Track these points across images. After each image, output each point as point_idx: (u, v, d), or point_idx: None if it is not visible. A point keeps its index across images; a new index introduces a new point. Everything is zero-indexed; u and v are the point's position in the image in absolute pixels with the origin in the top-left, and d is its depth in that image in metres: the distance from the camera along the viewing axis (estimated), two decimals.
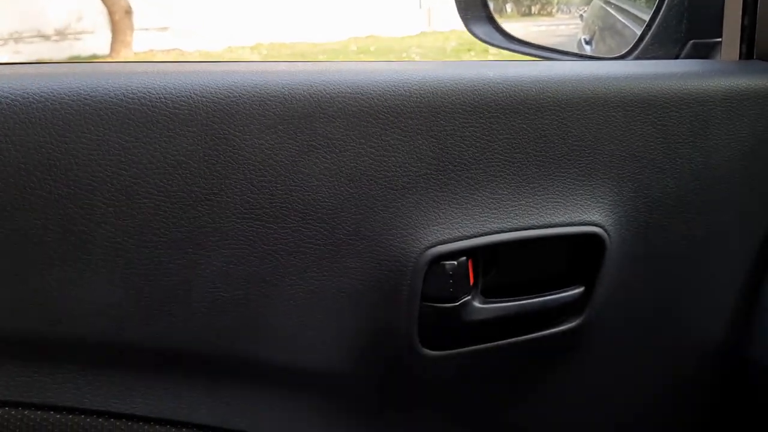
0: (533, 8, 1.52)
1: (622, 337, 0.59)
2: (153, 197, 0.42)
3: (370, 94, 0.47)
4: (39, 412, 0.42)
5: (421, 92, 0.48)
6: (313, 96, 0.45)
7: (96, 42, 6.62)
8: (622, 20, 0.94)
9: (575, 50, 1.12)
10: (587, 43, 1.10)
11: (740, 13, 0.63)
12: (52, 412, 0.43)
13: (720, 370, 0.62)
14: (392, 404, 0.53)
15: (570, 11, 1.36)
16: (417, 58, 6.45)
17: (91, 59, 6.34)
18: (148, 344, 0.44)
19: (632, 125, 0.54)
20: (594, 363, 0.59)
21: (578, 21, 1.36)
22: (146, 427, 0.46)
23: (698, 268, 0.59)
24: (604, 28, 1.07)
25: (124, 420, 0.45)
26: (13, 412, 0.42)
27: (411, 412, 0.55)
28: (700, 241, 0.58)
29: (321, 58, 7.00)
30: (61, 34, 6.91)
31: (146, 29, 6.79)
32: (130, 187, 0.41)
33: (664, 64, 0.65)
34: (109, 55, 6.29)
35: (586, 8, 1.27)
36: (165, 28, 7.07)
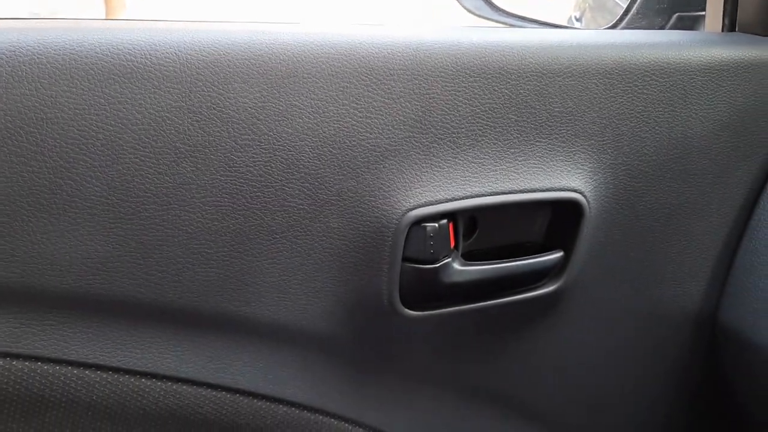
0: None
1: (600, 300, 0.60)
2: (138, 152, 0.43)
3: (355, 55, 0.48)
4: (26, 363, 0.43)
5: (405, 55, 0.49)
6: (298, 56, 0.46)
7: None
8: None
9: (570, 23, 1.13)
10: (578, 20, 1.11)
11: None
12: (39, 363, 0.44)
13: (694, 332, 0.63)
14: (372, 361, 0.55)
15: None
16: None
17: None
18: (134, 297, 0.45)
19: (612, 93, 0.55)
20: (573, 325, 0.60)
21: None
22: (132, 379, 0.47)
23: (675, 234, 0.60)
24: (594, 5, 1.08)
25: (110, 372, 0.46)
26: (0, 362, 0.43)
27: (390, 370, 0.56)
28: (677, 208, 0.59)
29: None
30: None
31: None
32: (115, 141, 0.42)
33: (646, 34, 0.66)
34: None
35: None
36: (158, 16, 7.03)
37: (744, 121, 0.60)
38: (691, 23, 0.70)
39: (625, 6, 0.77)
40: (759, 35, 0.63)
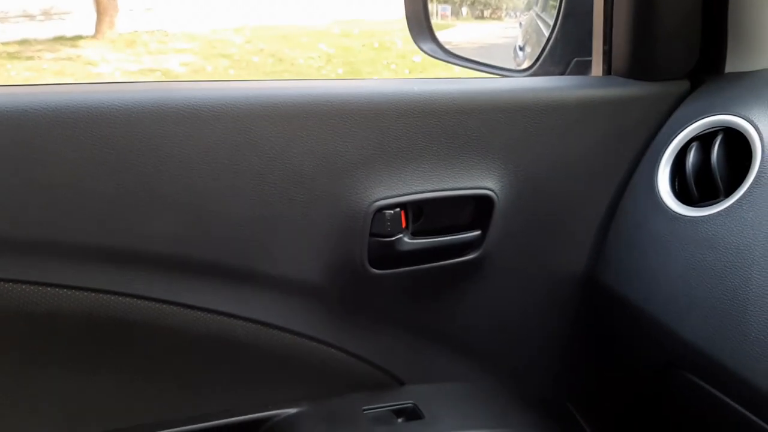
0: (485, 12, 1.76)
1: (509, 266, 0.85)
2: (206, 169, 0.68)
3: (339, 102, 0.73)
4: (132, 299, 0.69)
5: (371, 102, 0.74)
6: (304, 105, 0.71)
7: (81, 22, 6.74)
8: (543, 33, 1.19)
9: (513, 53, 1.38)
10: (521, 49, 1.35)
11: (602, 39, 0.89)
12: (141, 300, 0.69)
13: (580, 290, 0.88)
14: (350, 304, 0.80)
15: (516, 16, 1.61)
16: (398, 42, 6.67)
17: (76, 39, 6.48)
18: (197, 255, 0.70)
19: (515, 124, 0.80)
20: (490, 284, 0.85)
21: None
22: (184, 310, 0.71)
23: (563, 219, 0.85)
24: (532, 38, 1.32)
25: (170, 305, 0.71)
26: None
27: (363, 311, 0.81)
28: (564, 201, 0.85)
29: (304, 40, 7.18)
30: (47, 14, 7.01)
31: (131, 10, 6.93)
32: (190, 163, 0.67)
33: (544, 79, 0.91)
34: (94, 36, 6.43)
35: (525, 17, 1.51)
36: (150, 9, 7.20)
37: (611, 141, 0.85)
38: (585, 67, 0.95)
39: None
40: (627, 78, 0.89)
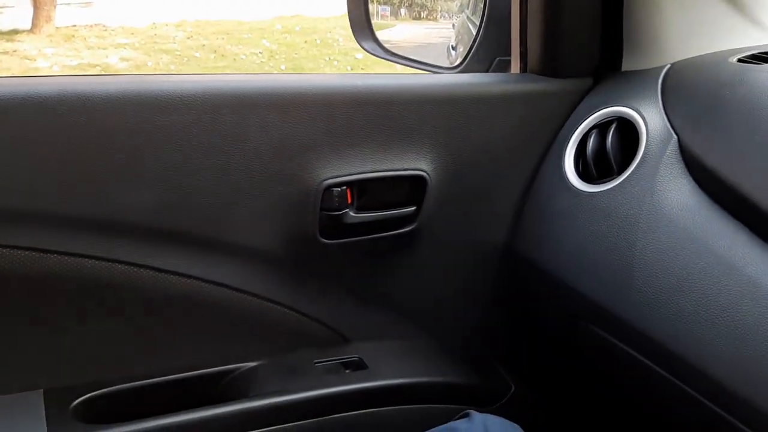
0: (422, 13, 1.89)
1: (440, 237, 0.98)
2: (183, 151, 0.79)
3: (292, 95, 0.84)
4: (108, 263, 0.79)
5: (321, 94, 0.86)
6: (262, 98, 0.83)
7: (17, 16, 6.62)
8: (473, 34, 1.32)
9: (447, 51, 1.51)
10: (453, 48, 1.49)
11: (518, 41, 1.03)
12: (118, 264, 0.79)
13: (501, 259, 1.02)
14: (304, 270, 0.92)
15: (450, 18, 1.75)
16: (340, 39, 6.77)
17: (12, 34, 6.37)
18: (169, 224, 0.80)
19: (444, 114, 0.93)
20: (425, 252, 0.98)
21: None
22: (153, 273, 0.82)
23: (486, 195, 0.99)
24: (463, 39, 1.46)
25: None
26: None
27: (316, 276, 0.93)
28: (486, 179, 0.98)
29: (247, 36, 7.21)
30: None
31: (68, 4, 6.84)
32: (164, 149, 0.78)
33: (470, 76, 1.04)
34: (31, 30, 6.34)
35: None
36: (88, 3, 7.12)
37: (526, 129, 0.98)
38: (506, 65, 1.08)
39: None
40: (540, 75, 1.03)
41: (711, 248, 0.76)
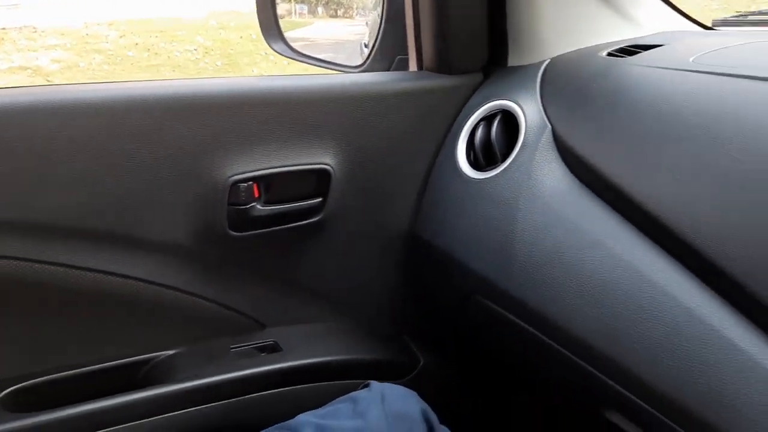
0: (339, 11, 1.95)
1: (346, 225, 1.05)
2: (105, 158, 0.84)
3: (200, 98, 0.90)
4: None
5: (228, 96, 0.92)
6: (171, 101, 0.88)
7: None
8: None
9: (360, 49, 1.58)
10: (366, 46, 1.56)
11: (414, 40, 1.11)
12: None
13: (405, 242, 1.10)
14: (216, 262, 0.98)
15: (365, 15, 1.81)
16: None
17: None
18: (70, 221, 0.86)
19: (346, 110, 1.00)
20: (333, 241, 1.05)
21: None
22: (81, 272, 0.87)
23: (388, 185, 1.06)
24: (374, 37, 1.53)
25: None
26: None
27: (228, 267, 0.99)
28: (387, 171, 1.05)
29: (181, 33, 7.14)
30: None
31: None
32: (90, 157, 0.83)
33: (371, 75, 1.12)
34: None
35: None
36: (16, 5, 6.96)
37: (423, 123, 1.06)
38: (405, 63, 1.16)
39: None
40: (435, 72, 1.10)
41: (579, 226, 0.85)
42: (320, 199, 1.00)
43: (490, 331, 1.02)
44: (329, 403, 0.81)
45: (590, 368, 0.82)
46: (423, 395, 0.86)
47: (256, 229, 0.97)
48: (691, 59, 0.86)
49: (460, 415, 1.06)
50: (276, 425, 0.77)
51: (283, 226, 0.99)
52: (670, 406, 0.73)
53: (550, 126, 0.94)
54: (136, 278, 0.92)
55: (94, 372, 0.94)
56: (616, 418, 0.90)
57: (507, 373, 1.10)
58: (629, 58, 0.94)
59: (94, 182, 0.86)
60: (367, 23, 1.86)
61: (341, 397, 0.81)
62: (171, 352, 0.98)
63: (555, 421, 1.20)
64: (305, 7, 1.94)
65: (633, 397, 0.78)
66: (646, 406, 0.76)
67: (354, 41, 1.86)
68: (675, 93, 0.82)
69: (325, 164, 1.00)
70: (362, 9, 2.05)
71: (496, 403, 1.23)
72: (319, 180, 1.00)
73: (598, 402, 0.92)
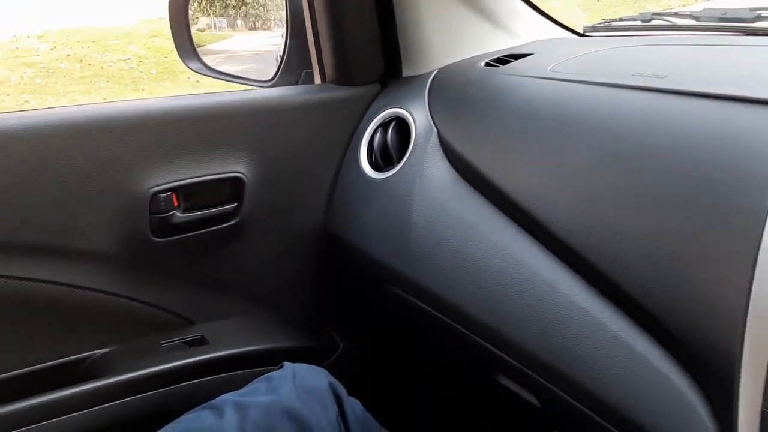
0: (257, 23, 2.03)
1: (262, 227, 1.16)
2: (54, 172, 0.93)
3: (121, 119, 1.00)
4: None
5: (146, 116, 1.02)
6: (93, 123, 0.98)
7: None
8: None
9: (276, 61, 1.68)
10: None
11: (316, 55, 1.22)
12: None
13: (318, 239, 1.21)
14: (143, 266, 1.08)
15: (283, 27, 1.92)
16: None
17: None
18: (5, 235, 0.95)
19: (256, 124, 1.11)
20: (251, 241, 1.16)
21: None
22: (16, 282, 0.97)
23: (300, 188, 1.17)
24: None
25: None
26: None
27: (155, 270, 1.09)
28: (298, 175, 1.17)
29: (114, 43, 7.10)
30: None
31: None
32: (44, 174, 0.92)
33: (280, 89, 1.22)
34: None
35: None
36: None
37: (328, 131, 1.18)
38: (311, 76, 1.27)
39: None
40: (337, 84, 1.22)
41: (461, 215, 0.98)
42: (236, 204, 1.11)
43: (398, 314, 1.14)
44: (248, 384, 0.92)
45: (479, 340, 0.94)
46: (343, 377, 0.98)
47: (177, 235, 1.07)
48: (549, 68, 1.00)
49: (378, 394, 1.18)
50: (200, 405, 0.88)
51: (202, 231, 1.09)
52: (542, 367, 0.86)
53: (436, 130, 1.07)
54: (67, 284, 1.02)
55: (30, 373, 1.03)
56: (506, 382, 1.03)
57: (415, 352, 1.23)
58: (501, 68, 1.07)
59: (25, 199, 0.95)
60: (282, 35, 1.97)
61: (258, 378, 0.92)
62: (105, 350, 1.08)
63: (458, 391, 1.33)
64: (224, 21, 2.03)
65: (514, 362, 0.90)
66: (526, 369, 0.89)
67: (273, 52, 1.96)
68: (534, 99, 0.95)
69: (239, 172, 1.10)
70: (280, 21, 2.15)
71: (408, 379, 1.35)
72: (233, 187, 1.11)
73: (490, 369, 1.05)
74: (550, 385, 0.86)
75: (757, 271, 0.63)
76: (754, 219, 0.64)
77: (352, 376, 1.04)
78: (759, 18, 1.10)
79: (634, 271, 0.76)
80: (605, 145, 0.82)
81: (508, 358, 0.91)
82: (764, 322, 0.62)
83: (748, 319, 0.63)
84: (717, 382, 0.66)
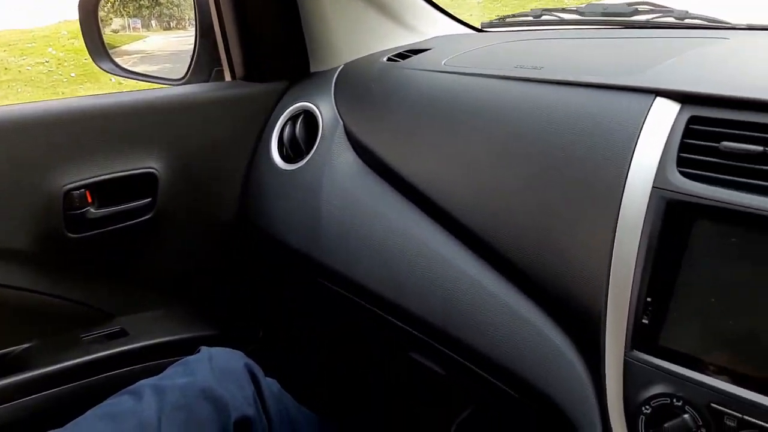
0: (172, 23, 2.05)
1: (178, 220, 1.20)
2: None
3: (35, 120, 1.02)
4: None
5: (61, 116, 1.05)
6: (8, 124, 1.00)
7: None
8: None
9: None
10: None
11: (225, 53, 1.27)
12: None
13: (237, 230, 1.26)
14: (62, 262, 1.10)
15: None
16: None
17: None
18: None
19: (167, 121, 1.14)
20: (167, 234, 1.19)
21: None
22: None
23: (215, 181, 1.21)
24: None
25: None
26: None
27: (73, 266, 1.12)
28: (212, 169, 1.21)
29: (30, 46, 6.90)
30: None
31: None
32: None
33: (191, 86, 1.26)
34: None
35: None
36: None
37: (240, 126, 1.22)
38: (222, 74, 1.31)
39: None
40: (248, 81, 1.27)
41: (367, 202, 1.04)
42: (150, 199, 1.14)
43: (316, 300, 1.20)
44: (166, 369, 0.96)
45: (391, 318, 1.01)
46: (263, 363, 1.02)
47: (92, 231, 1.10)
48: (443, 62, 1.07)
49: (298, 377, 1.23)
50: (121, 390, 0.91)
51: (118, 226, 1.12)
52: (445, 338, 0.93)
53: (342, 122, 1.13)
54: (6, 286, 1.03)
55: None
56: (417, 356, 1.10)
57: (335, 335, 1.29)
58: (401, 62, 1.14)
59: None
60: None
61: (176, 362, 0.96)
62: (26, 345, 1.10)
63: (377, 370, 1.39)
64: (138, 21, 2.03)
65: (422, 336, 0.97)
66: (432, 342, 0.96)
67: (187, 51, 1.99)
68: (428, 91, 1.02)
69: (152, 168, 1.14)
70: (193, 20, 2.17)
71: (329, 361, 1.41)
72: (147, 183, 1.14)
73: (404, 346, 1.12)
74: (453, 355, 0.93)
75: (616, 236, 0.71)
76: (613, 191, 0.72)
77: (272, 361, 1.08)
78: (636, 12, 1.19)
79: (519, 244, 0.83)
80: (490, 132, 0.89)
81: (416, 333, 0.98)
82: (624, 282, 0.70)
83: (611, 279, 0.71)
84: (588, 337, 0.75)
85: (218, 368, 0.93)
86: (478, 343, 0.88)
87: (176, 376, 0.92)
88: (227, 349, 0.99)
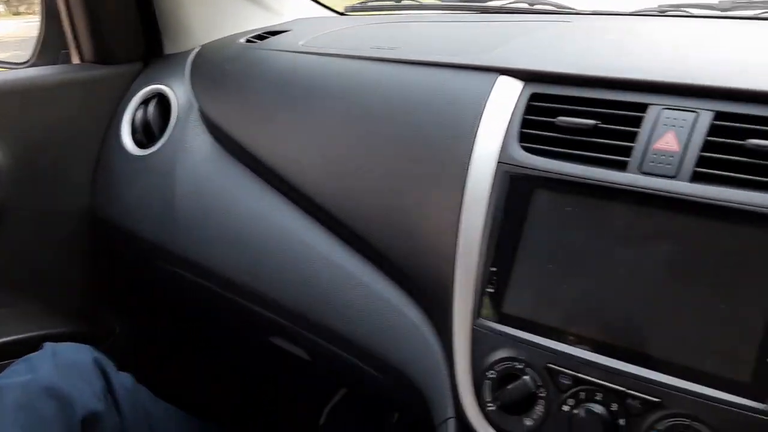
0: (21, 8, 1.92)
1: (25, 214, 1.10)
2: None
3: None
4: None
5: None
6: None
7: None
8: None
9: None
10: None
11: (72, 35, 1.19)
12: None
13: (87, 222, 1.19)
14: None
15: None
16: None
17: None
18: None
19: (11, 107, 1.07)
20: (16, 229, 1.10)
21: None
22: None
23: (62, 170, 1.14)
24: None
25: None
26: None
27: None
28: (58, 157, 1.13)
29: None
30: None
31: None
32: None
33: (36, 69, 1.17)
34: None
35: None
36: None
37: (89, 111, 1.15)
38: (69, 56, 1.24)
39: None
40: (97, 63, 1.20)
41: (224, 187, 1.01)
42: None
43: (173, 290, 1.16)
44: (6, 369, 0.89)
45: (249, 304, 0.98)
46: (121, 359, 0.97)
47: None
48: (301, 43, 1.05)
49: (158, 371, 1.19)
50: None
51: None
52: (306, 321, 0.91)
53: (197, 105, 1.09)
54: None
55: None
56: (279, 342, 1.08)
57: (194, 325, 1.25)
58: (259, 43, 1.11)
59: None
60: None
61: (17, 360, 0.90)
62: None
63: (239, 358, 1.36)
64: None
65: (283, 320, 0.96)
66: (293, 326, 0.95)
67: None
68: (285, 71, 1.00)
69: None
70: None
71: (189, 353, 1.37)
72: None
73: (264, 332, 1.09)
74: (315, 338, 0.93)
75: (463, 211, 0.73)
76: (460, 168, 0.74)
77: (130, 356, 1.03)
78: None
79: (374, 224, 0.84)
80: (345, 111, 0.89)
81: (277, 318, 0.96)
82: (470, 254, 0.71)
83: (458, 252, 0.72)
84: (440, 311, 0.76)
85: (63, 364, 0.88)
86: (336, 325, 0.87)
87: (16, 374, 0.87)
88: (74, 344, 0.94)
